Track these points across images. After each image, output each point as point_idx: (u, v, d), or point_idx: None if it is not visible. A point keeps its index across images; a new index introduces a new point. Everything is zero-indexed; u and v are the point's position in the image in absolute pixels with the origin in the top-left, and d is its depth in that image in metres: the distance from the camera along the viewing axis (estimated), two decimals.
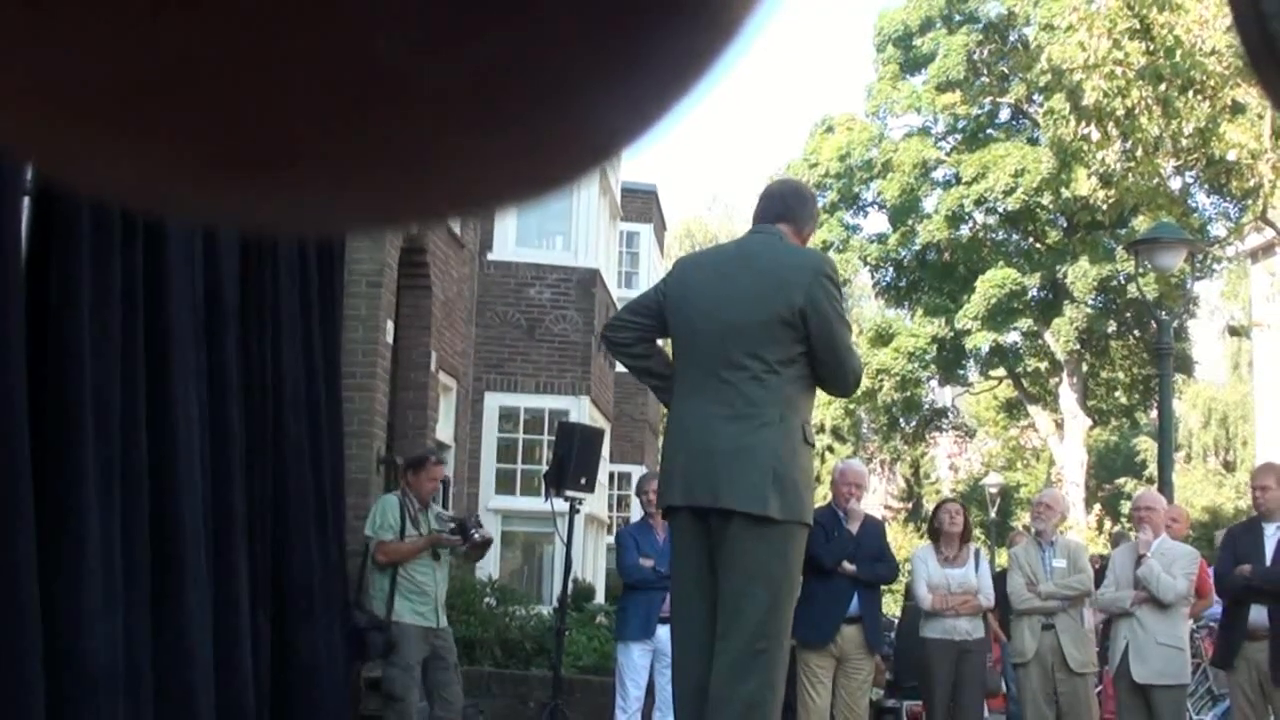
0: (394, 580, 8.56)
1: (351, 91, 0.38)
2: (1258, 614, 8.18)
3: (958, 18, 31.01)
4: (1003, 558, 18.41)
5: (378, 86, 0.38)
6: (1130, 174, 17.17)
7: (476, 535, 8.93)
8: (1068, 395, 31.11)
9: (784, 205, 5.13)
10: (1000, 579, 10.28)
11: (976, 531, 28.59)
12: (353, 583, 8.94)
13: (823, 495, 9.50)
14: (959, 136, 31.78)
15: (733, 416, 4.72)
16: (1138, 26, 15.91)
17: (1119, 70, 15.94)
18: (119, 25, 0.36)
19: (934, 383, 36.03)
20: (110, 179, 0.44)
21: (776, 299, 4.77)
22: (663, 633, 9.15)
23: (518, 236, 15.81)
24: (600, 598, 16.54)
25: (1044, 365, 32.01)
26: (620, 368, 19.46)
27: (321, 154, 0.40)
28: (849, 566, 8.70)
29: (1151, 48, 15.80)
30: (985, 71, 30.97)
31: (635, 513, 19.74)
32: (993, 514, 33.24)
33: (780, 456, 4.66)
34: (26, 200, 5.18)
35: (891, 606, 18.33)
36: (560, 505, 10.33)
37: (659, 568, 9.09)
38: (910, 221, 31.43)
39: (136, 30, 0.36)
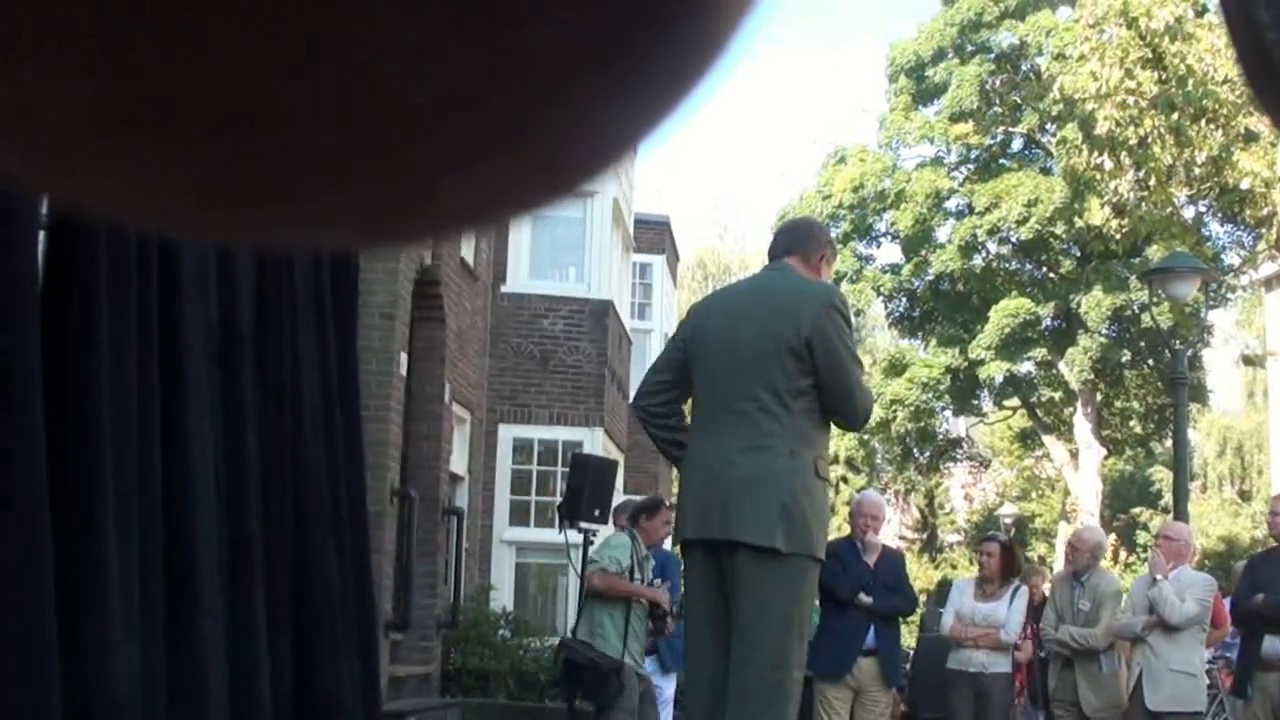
0: (628, 621, 8.45)
1: (354, 110, 0.38)
2: (1271, 644, 8.16)
3: (970, 48, 31.05)
4: None
5: (379, 104, 0.38)
6: (1143, 203, 17.19)
7: (671, 616, 8.78)
8: (1082, 425, 31.04)
9: (790, 239, 5.22)
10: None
11: None
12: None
13: (839, 527, 9.52)
14: (972, 166, 31.78)
15: (745, 448, 4.72)
16: (1150, 56, 15.94)
17: (1131, 99, 15.98)
18: (122, 53, 0.36)
19: (948, 413, 35.96)
20: (116, 205, 0.44)
21: (784, 328, 4.78)
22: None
23: (531, 268, 15.83)
24: None
25: (1058, 395, 31.94)
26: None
27: (326, 174, 0.40)
28: (865, 599, 8.68)
29: (1164, 77, 15.83)
30: (998, 101, 31.00)
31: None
32: None
33: (791, 490, 4.66)
34: (42, 234, 5.20)
35: (908, 638, 18.27)
36: (574, 537, 10.32)
37: None
38: (923, 252, 31.44)
39: (140, 58, 0.36)
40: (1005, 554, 9.59)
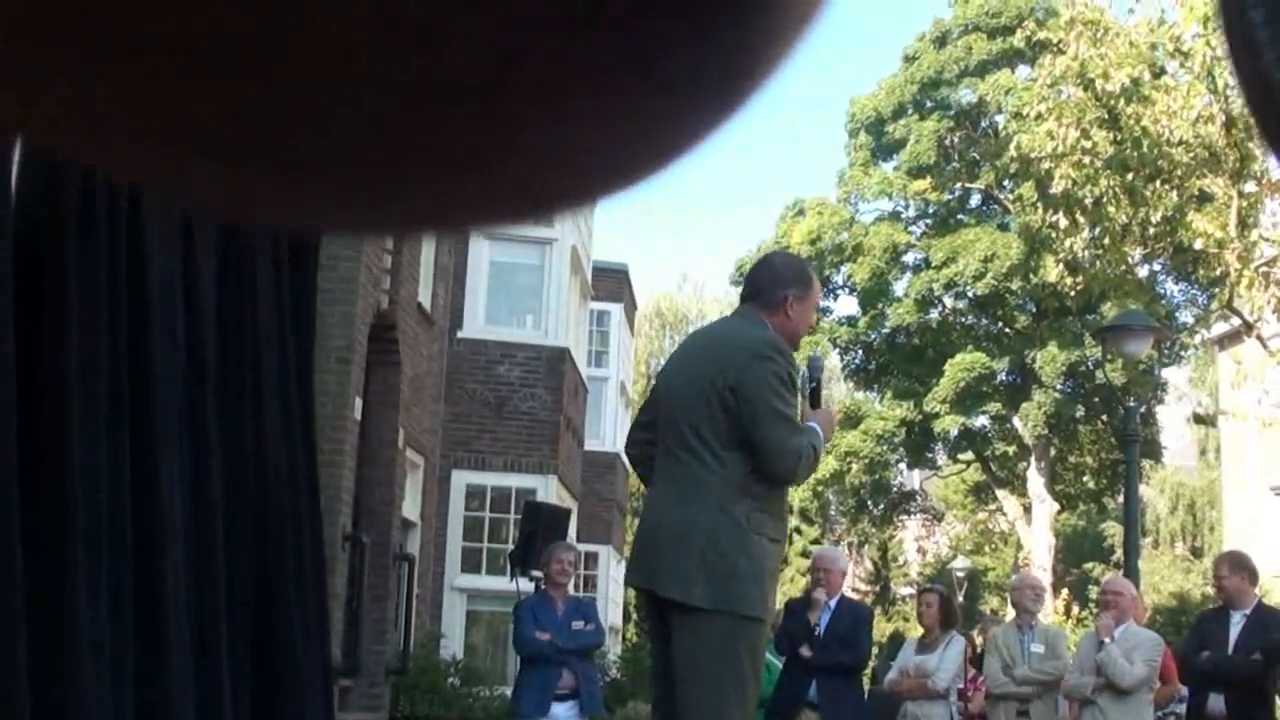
0: None
1: (349, 98, 0.38)
2: (1216, 701, 8.20)
3: (929, 104, 31.33)
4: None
5: (374, 91, 0.38)
6: (1098, 261, 17.31)
7: None
8: (1035, 479, 31.17)
9: (750, 285, 5.04)
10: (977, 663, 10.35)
11: None
12: None
13: (792, 579, 9.55)
14: (929, 221, 32.01)
15: (678, 498, 4.67)
16: (1106, 117, 16.10)
17: (1087, 159, 16.12)
18: (133, 26, 0.36)
19: (902, 466, 36.08)
20: (113, 158, 0.43)
21: (714, 377, 4.68)
22: (558, 710, 9.10)
23: (487, 314, 15.82)
24: None
25: (1012, 449, 32.09)
26: (589, 445, 19.30)
27: (312, 152, 0.40)
28: (804, 652, 8.72)
29: (1119, 137, 15.98)
30: (956, 158, 31.26)
31: (601, 593, 19.65)
32: (960, 598, 33.15)
33: (716, 544, 4.53)
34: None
35: None
36: (525, 585, 10.29)
37: (556, 641, 9.08)
38: (880, 305, 31.61)
39: (145, 33, 0.36)
40: (944, 604, 9.76)
